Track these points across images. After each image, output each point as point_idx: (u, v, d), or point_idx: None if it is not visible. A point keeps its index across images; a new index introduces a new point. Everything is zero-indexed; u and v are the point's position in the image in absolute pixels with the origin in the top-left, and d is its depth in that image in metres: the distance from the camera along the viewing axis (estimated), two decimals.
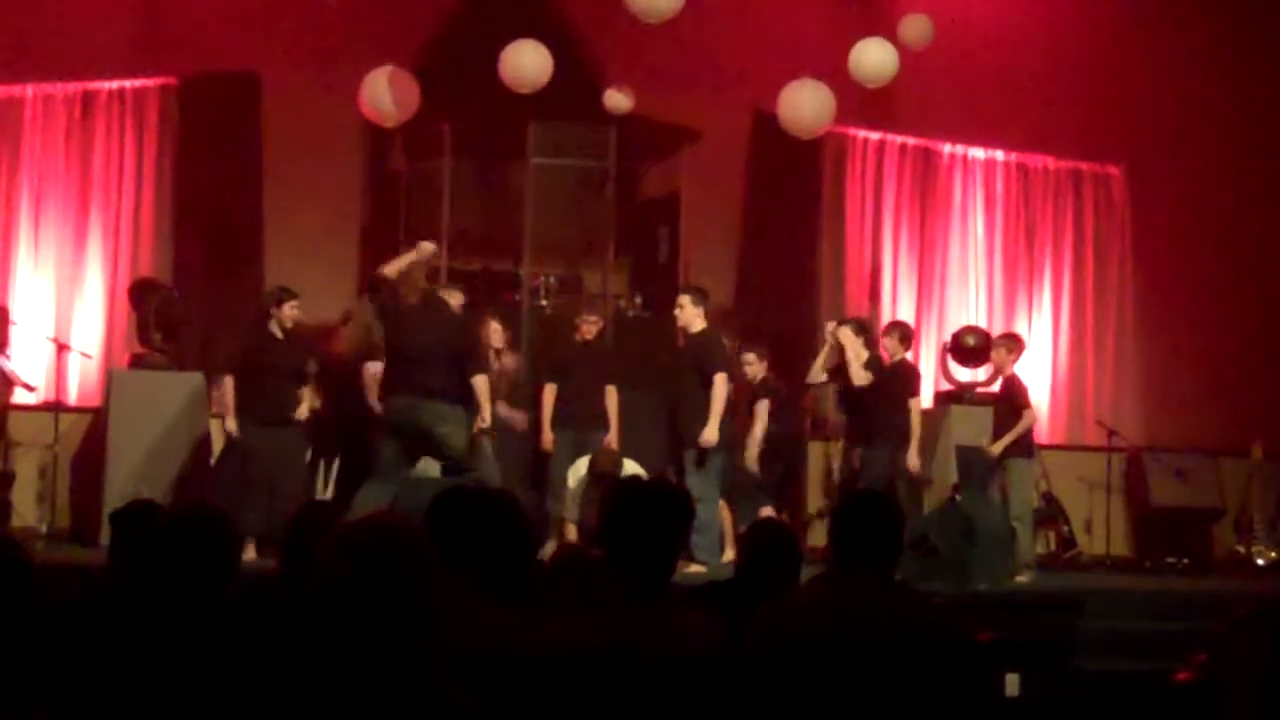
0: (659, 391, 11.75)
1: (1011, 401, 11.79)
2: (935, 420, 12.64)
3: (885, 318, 13.87)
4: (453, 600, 3.68)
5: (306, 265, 12.60)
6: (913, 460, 11.37)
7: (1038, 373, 13.87)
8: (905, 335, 11.92)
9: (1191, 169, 14.41)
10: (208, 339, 12.38)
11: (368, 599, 2.87)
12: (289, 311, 10.88)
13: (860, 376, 11.29)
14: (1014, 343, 12.14)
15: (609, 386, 11.47)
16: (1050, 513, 13.36)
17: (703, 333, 11.34)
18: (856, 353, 11.36)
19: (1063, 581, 11.81)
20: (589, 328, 11.56)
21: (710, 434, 10.93)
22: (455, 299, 10.95)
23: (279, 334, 10.89)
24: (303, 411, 10.96)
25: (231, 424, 10.80)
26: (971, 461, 11.61)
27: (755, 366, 11.70)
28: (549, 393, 11.46)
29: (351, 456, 11.53)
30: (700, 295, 11.43)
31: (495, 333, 11.50)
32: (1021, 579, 11.33)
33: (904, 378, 11.62)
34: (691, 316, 11.26)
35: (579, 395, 11.40)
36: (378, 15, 12.18)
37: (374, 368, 11.15)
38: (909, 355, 11.88)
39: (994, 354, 12.14)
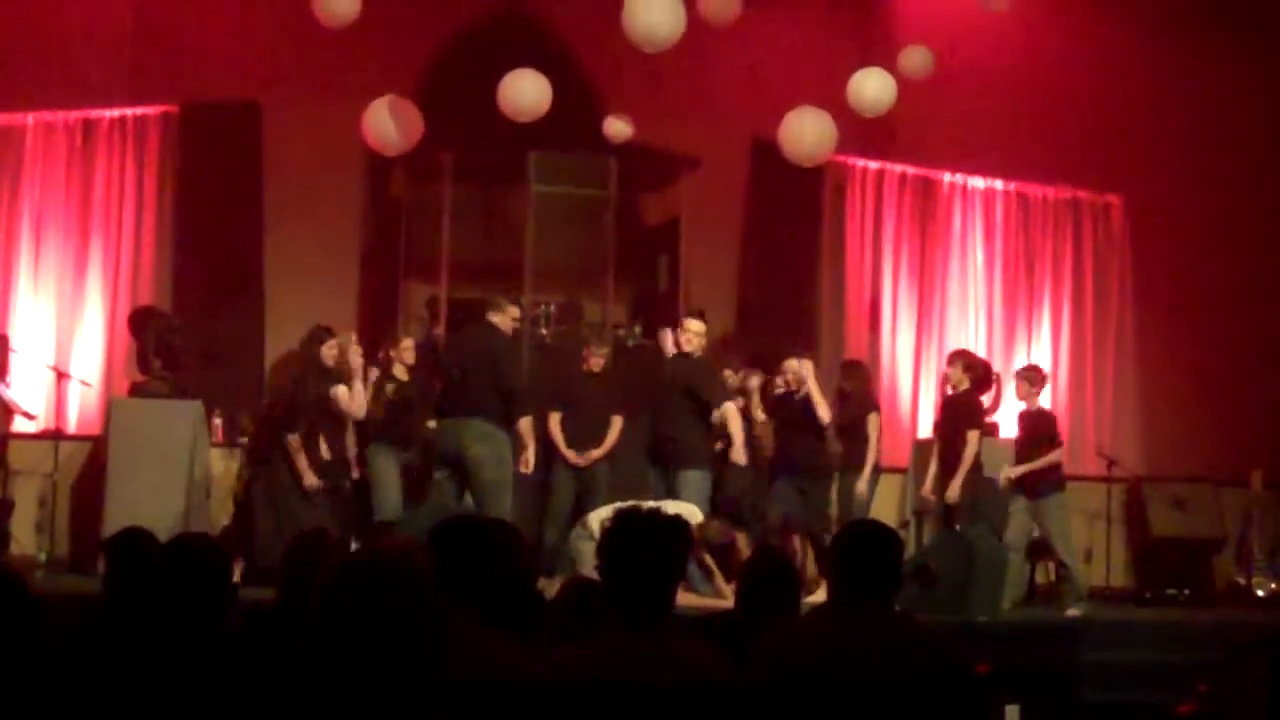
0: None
1: (1040, 434, 11.73)
2: (933, 450, 12.62)
3: (885, 346, 13.88)
4: (453, 630, 3.67)
5: (306, 293, 12.60)
6: (953, 491, 11.37)
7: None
8: (969, 365, 11.93)
9: (1191, 198, 14.44)
10: (207, 367, 12.36)
11: (363, 629, 2.86)
12: (328, 351, 10.99)
13: (825, 412, 11.34)
14: (1036, 375, 12.06)
15: (615, 416, 11.46)
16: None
17: (702, 359, 11.49)
18: (817, 388, 11.41)
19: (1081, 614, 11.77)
20: (597, 360, 11.51)
21: (739, 456, 11.11)
22: (508, 315, 10.92)
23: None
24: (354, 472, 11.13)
25: (313, 481, 10.77)
26: (981, 494, 11.54)
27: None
28: (553, 421, 11.40)
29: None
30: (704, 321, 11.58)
31: None
32: (1074, 612, 11.26)
33: (964, 408, 11.65)
34: (701, 343, 11.40)
35: (585, 426, 11.36)
36: (377, 43, 12.19)
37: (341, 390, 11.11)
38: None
39: (1019, 387, 12.02)
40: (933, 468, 11.80)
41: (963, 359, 12.00)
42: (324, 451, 10.87)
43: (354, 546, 10.30)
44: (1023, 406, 11.93)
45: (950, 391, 11.93)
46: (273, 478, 10.81)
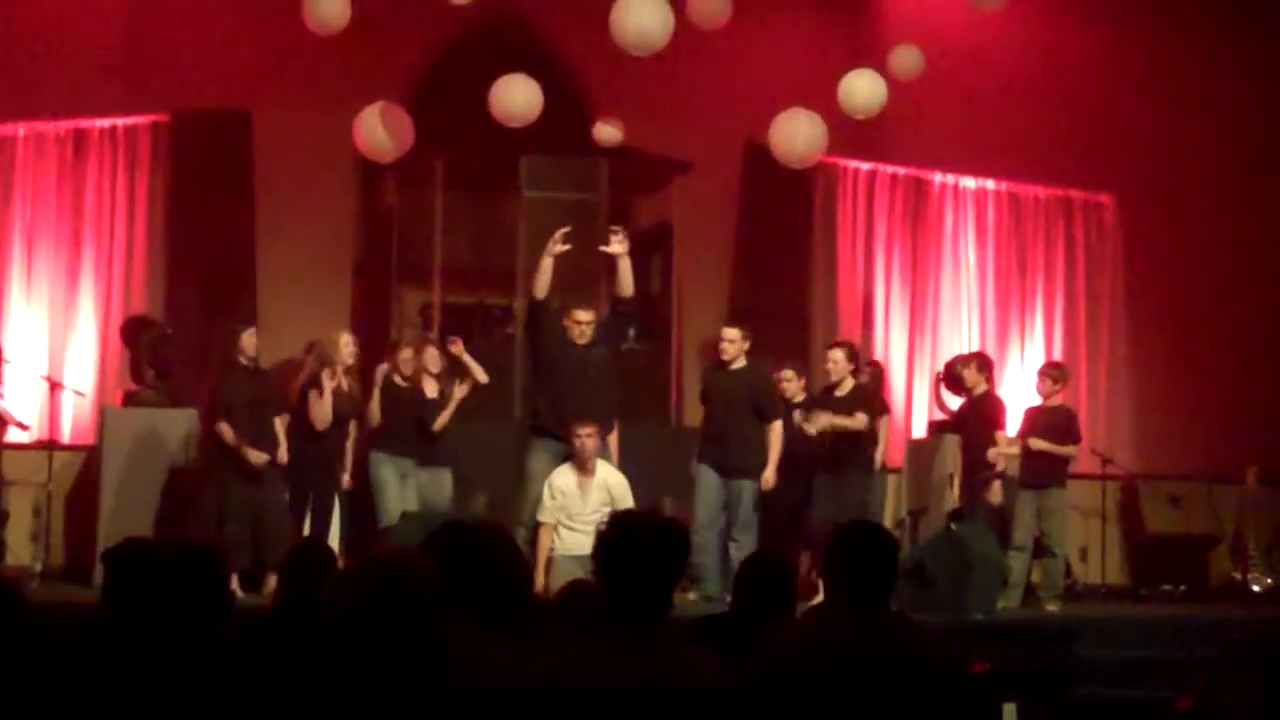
0: (653, 422, 11.69)
1: (1069, 429, 11.72)
2: (928, 450, 12.63)
3: (878, 347, 13.88)
4: (451, 634, 3.67)
5: (299, 300, 12.60)
6: (995, 494, 11.43)
7: (1030, 401, 13.84)
8: (984, 365, 11.87)
9: (1183, 196, 14.44)
10: (201, 376, 12.35)
11: (365, 638, 2.87)
12: (248, 341, 10.85)
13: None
14: (1061, 372, 11.99)
15: None
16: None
17: (757, 369, 11.24)
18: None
19: (1058, 610, 11.78)
20: None
21: (770, 476, 10.88)
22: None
23: (246, 364, 10.84)
24: (281, 454, 10.73)
25: (259, 456, 10.59)
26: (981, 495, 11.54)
27: (794, 384, 11.55)
28: None
29: (324, 491, 11.19)
30: (749, 329, 11.26)
31: (432, 359, 11.38)
32: (1052, 608, 11.31)
33: (986, 410, 11.62)
34: (740, 351, 11.10)
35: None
36: (367, 50, 12.18)
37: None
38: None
39: (1042, 383, 11.81)
40: (958, 466, 11.75)
41: (977, 359, 11.97)
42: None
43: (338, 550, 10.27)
44: (1038, 402, 11.87)
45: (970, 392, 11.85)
46: (220, 479, 10.70)
